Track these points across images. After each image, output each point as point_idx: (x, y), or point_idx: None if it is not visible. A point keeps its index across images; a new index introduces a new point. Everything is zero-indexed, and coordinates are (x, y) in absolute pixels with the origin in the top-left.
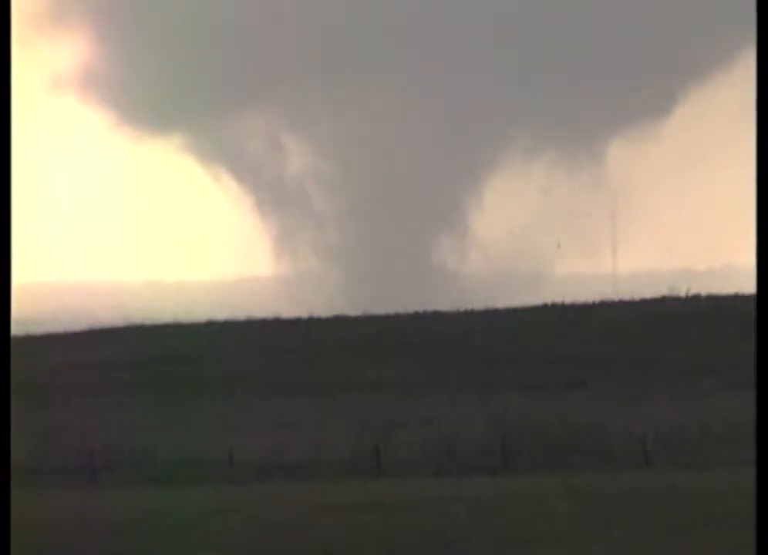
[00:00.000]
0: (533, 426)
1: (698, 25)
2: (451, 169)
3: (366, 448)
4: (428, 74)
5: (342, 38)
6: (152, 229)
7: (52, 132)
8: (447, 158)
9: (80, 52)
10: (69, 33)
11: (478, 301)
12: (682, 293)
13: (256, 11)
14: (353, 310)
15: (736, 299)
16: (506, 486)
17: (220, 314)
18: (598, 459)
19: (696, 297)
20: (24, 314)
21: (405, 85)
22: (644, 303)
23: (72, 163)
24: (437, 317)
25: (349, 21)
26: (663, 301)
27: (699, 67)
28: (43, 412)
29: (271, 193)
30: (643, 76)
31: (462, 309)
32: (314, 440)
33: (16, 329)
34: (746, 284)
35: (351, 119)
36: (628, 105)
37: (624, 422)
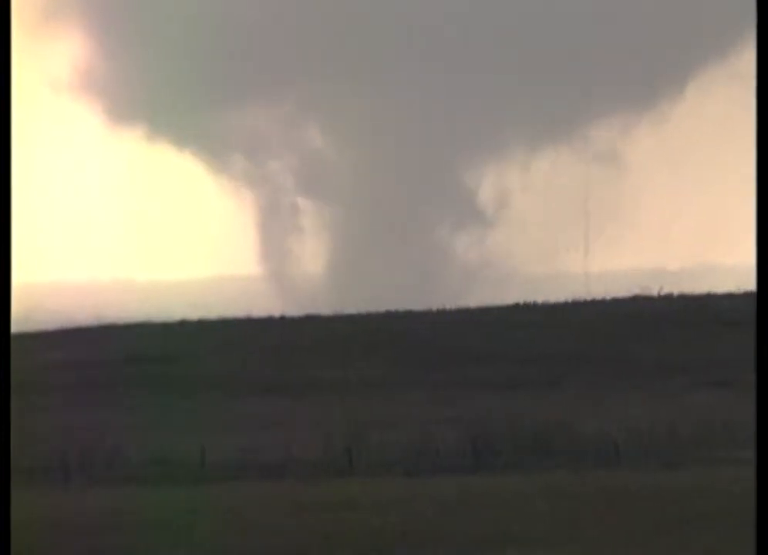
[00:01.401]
0: (506, 425)
1: (695, 19)
2: (438, 167)
3: (339, 447)
4: (431, 67)
5: (347, 34)
6: (125, 227)
7: (33, 128)
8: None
9: (75, 50)
10: (63, 31)
11: (450, 300)
12: (655, 292)
13: (254, 7)
14: (327, 309)
15: (708, 298)
16: (480, 486)
17: (194, 313)
18: (572, 458)
19: (669, 297)
20: None
21: (407, 79)
22: (616, 302)
23: (47, 163)
24: (409, 316)
25: (353, 17)
26: (635, 300)
27: (696, 65)
28: (15, 412)
29: (255, 190)
30: (636, 69)
31: (434, 308)
32: (287, 440)
33: None
34: (718, 283)
35: (354, 114)
36: (613, 99)
37: (598, 420)
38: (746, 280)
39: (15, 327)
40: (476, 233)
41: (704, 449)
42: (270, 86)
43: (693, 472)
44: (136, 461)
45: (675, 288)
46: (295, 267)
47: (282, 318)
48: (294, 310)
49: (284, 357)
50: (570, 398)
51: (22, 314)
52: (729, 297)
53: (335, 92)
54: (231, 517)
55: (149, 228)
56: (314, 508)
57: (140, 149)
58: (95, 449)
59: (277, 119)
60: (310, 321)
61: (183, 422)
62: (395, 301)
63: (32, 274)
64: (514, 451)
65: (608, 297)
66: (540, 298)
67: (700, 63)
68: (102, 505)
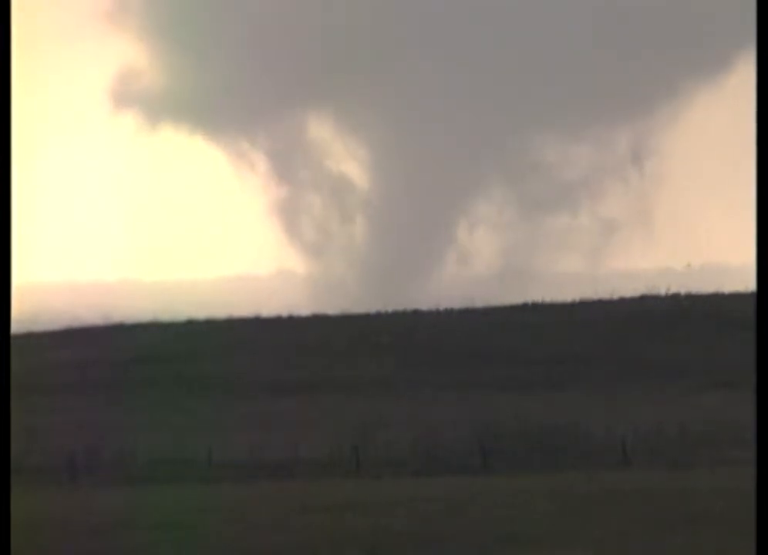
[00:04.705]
0: (513, 426)
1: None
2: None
3: (346, 447)
4: (454, 68)
5: (376, 34)
6: (132, 228)
7: (48, 130)
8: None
9: (122, 51)
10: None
11: (458, 300)
12: (662, 292)
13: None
14: (333, 309)
15: (715, 298)
16: (486, 486)
17: (201, 313)
18: (579, 459)
19: (676, 296)
20: None
21: (432, 77)
22: (623, 302)
23: (59, 165)
24: (417, 316)
25: (372, 18)
26: (643, 300)
27: (705, 68)
28: (23, 412)
29: (267, 192)
30: (648, 73)
31: (442, 308)
32: (294, 439)
33: None
34: (726, 283)
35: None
36: (624, 101)
37: (605, 421)
38: (754, 281)
39: (23, 327)
40: (487, 234)
41: (713, 450)
42: (302, 90)
43: (702, 473)
44: (143, 460)
45: (682, 288)
46: (304, 267)
47: (290, 318)
48: (302, 310)
49: (292, 357)
50: (578, 398)
51: (31, 314)
52: (737, 297)
53: (358, 94)
54: (239, 516)
55: (156, 229)
56: (321, 507)
57: (154, 150)
58: (102, 448)
59: (302, 123)
60: (317, 321)
61: (191, 421)
62: (400, 301)
63: (40, 274)
64: (522, 451)
65: (616, 297)
66: (547, 298)
67: (710, 70)
68: (110, 504)
